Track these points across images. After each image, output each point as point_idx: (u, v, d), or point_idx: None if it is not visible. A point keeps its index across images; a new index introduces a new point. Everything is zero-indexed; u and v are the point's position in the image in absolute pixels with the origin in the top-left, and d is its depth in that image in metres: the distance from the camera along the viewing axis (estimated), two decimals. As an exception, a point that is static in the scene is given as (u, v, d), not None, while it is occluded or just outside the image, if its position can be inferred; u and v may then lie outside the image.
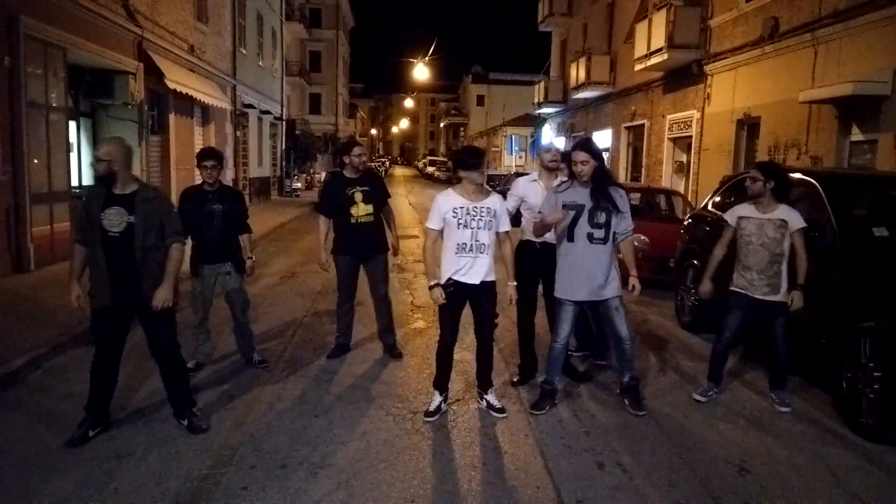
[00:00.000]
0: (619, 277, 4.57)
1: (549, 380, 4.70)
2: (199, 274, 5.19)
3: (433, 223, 4.44)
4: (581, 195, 4.46)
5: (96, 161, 3.92)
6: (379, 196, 5.65)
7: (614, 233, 4.49)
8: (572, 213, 4.44)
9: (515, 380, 5.23)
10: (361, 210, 5.54)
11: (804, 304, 4.63)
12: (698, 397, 4.94)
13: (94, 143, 11.76)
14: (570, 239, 4.47)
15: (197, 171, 5.35)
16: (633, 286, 4.58)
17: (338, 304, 5.80)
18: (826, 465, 3.95)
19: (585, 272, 4.46)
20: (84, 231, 3.98)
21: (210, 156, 5.18)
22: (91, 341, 4.33)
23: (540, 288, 5.14)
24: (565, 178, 4.95)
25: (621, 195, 4.54)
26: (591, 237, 4.44)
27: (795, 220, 4.70)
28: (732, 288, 4.89)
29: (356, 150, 5.60)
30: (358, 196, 5.53)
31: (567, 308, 4.58)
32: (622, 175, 19.47)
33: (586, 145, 4.53)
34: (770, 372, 5.06)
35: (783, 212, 4.71)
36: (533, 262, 5.00)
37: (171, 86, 13.07)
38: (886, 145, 9.07)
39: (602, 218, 4.43)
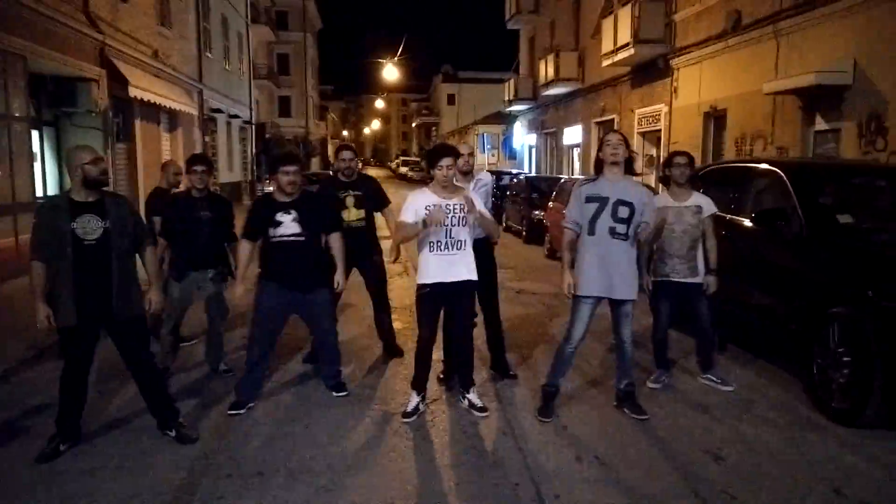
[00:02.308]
0: (636, 281, 4.46)
1: (553, 382, 4.57)
2: (179, 281, 5.11)
3: (406, 216, 4.34)
4: (605, 187, 4.34)
5: (95, 163, 3.84)
6: (373, 201, 5.59)
7: (637, 229, 4.36)
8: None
9: (441, 376, 5.13)
10: (353, 215, 5.49)
11: (772, 292, 4.72)
12: (652, 385, 5.07)
13: (59, 152, 11.54)
14: (591, 232, 4.33)
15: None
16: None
17: None
18: (799, 450, 4.02)
19: (604, 268, 4.30)
20: (46, 246, 3.82)
21: (201, 161, 5.17)
22: (60, 355, 4.24)
23: None
24: (482, 177, 5.10)
25: (649, 193, 4.51)
26: (612, 231, 4.30)
27: (708, 206, 4.98)
28: (655, 278, 5.06)
29: (344, 154, 5.58)
30: (350, 200, 5.48)
31: (585, 307, 4.39)
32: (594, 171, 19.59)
33: (619, 131, 4.56)
34: (699, 355, 5.20)
35: (697, 198, 5.01)
36: None
37: (136, 93, 12.86)
38: (849, 134, 9.25)
39: (625, 213, 4.27)
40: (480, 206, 4.43)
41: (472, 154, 5.25)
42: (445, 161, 4.30)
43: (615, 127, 18.03)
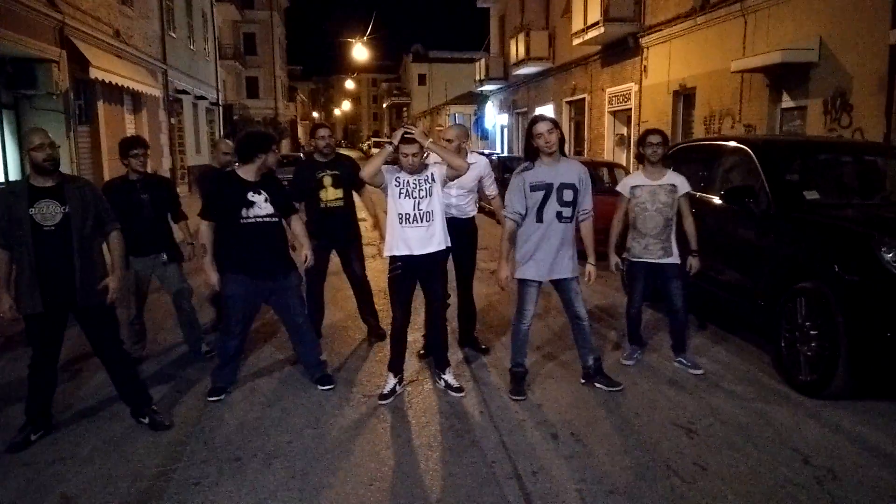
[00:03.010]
0: (576, 257, 4.50)
1: (519, 362, 4.61)
2: (130, 267, 5.02)
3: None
4: (546, 173, 4.33)
5: (52, 147, 3.73)
6: (350, 181, 5.49)
7: (577, 211, 4.41)
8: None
9: (422, 352, 5.25)
10: (331, 194, 5.42)
11: (741, 269, 4.79)
12: (625, 361, 5.12)
13: (19, 136, 11.22)
14: (539, 220, 4.34)
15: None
16: (589, 274, 4.52)
17: (308, 292, 5.69)
18: (768, 422, 4.12)
19: (551, 251, 4.36)
20: (6, 233, 3.74)
21: (138, 144, 5.05)
22: (27, 343, 4.16)
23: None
24: (472, 160, 5.02)
25: (584, 171, 4.45)
26: (560, 216, 4.32)
27: (682, 185, 4.95)
28: (629, 257, 5.08)
29: (321, 132, 5.51)
30: (327, 180, 5.40)
31: (532, 290, 4.48)
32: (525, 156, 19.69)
33: (545, 116, 4.48)
34: (672, 337, 5.19)
35: (672, 177, 4.96)
36: None
37: (97, 74, 12.52)
38: (815, 111, 9.40)
39: (570, 196, 4.32)
40: (432, 145, 4.39)
41: (464, 137, 5.15)
42: (408, 149, 4.27)
43: (586, 106, 18.10)
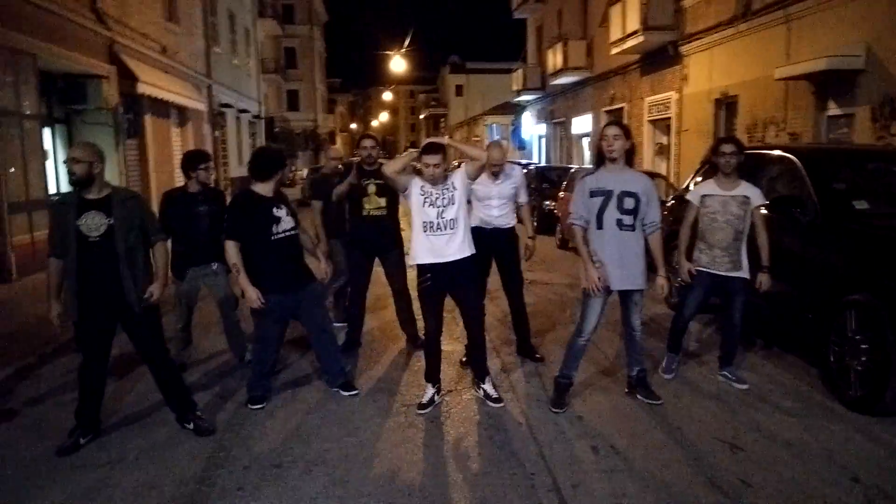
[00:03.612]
0: (646, 269, 4.40)
1: (566, 374, 4.55)
2: (184, 277, 5.15)
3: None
4: (608, 180, 4.32)
5: (74, 163, 3.83)
6: (393, 190, 5.54)
7: (643, 223, 4.33)
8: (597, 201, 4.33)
9: (463, 360, 5.27)
10: (374, 203, 5.51)
11: (787, 280, 4.67)
12: (665, 375, 4.99)
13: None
14: (599, 226, 4.32)
15: (178, 173, 5.31)
16: (662, 286, 4.42)
17: (350, 300, 5.75)
18: (816, 438, 4.00)
19: (615, 260, 4.29)
20: (58, 243, 3.89)
21: (205, 157, 5.24)
22: (77, 349, 4.29)
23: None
24: (507, 171, 5.22)
25: (651, 183, 4.38)
26: (620, 223, 4.27)
27: (757, 197, 4.75)
28: (695, 267, 4.93)
29: (365, 143, 5.61)
30: (371, 188, 5.50)
31: (596, 300, 4.35)
32: (595, 162, 19.53)
33: (619, 122, 4.51)
34: (722, 349, 5.07)
35: (745, 188, 4.76)
36: (483, 247, 4.94)
37: (145, 89, 12.91)
38: (863, 118, 9.16)
39: (631, 204, 4.25)
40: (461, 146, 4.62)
41: (504, 156, 5.27)
42: (430, 159, 4.29)
43: (625, 116, 17.94)
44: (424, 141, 4.46)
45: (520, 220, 5.49)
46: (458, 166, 4.70)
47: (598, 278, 4.27)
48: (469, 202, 4.98)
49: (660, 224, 4.38)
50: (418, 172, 4.46)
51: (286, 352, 5.76)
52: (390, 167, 4.48)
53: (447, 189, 4.39)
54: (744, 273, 4.77)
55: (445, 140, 4.47)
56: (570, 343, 4.56)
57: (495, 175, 5.19)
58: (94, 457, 3.86)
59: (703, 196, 4.86)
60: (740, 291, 4.82)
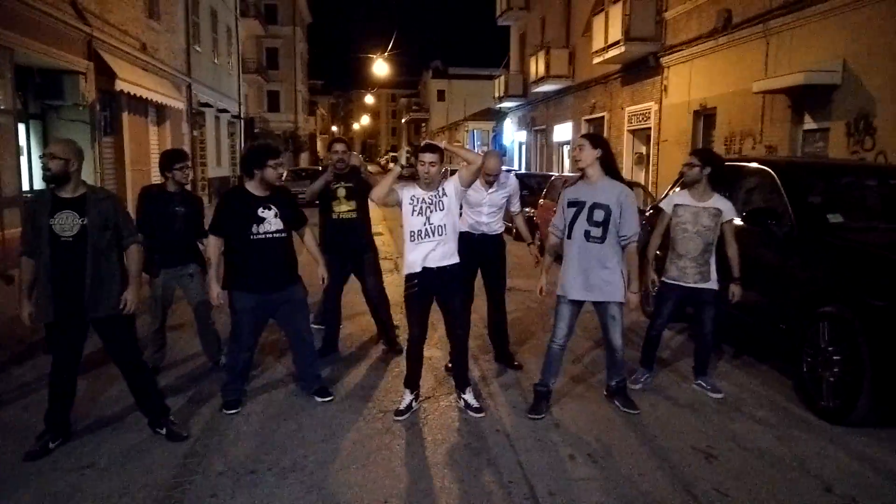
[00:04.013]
0: (622, 284, 4.37)
1: (544, 381, 4.57)
2: (157, 274, 5.07)
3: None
4: (583, 191, 4.36)
5: (50, 158, 3.74)
6: (364, 193, 5.51)
7: (619, 235, 4.32)
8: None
9: (448, 366, 5.24)
10: (344, 206, 5.49)
11: (762, 291, 4.72)
12: (632, 386, 4.93)
13: (45, 145, 11.41)
14: (569, 236, 4.38)
15: (155, 172, 5.26)
16: (630, 300, 4.39)
17: (324, 304, 5.69)
18: (790, 448, 4.05)
19: (579, 270, 4.34)
20: (31, 241, 3.81)
21: (184, 157, 5.18)
22: (48, 351, 4.20)
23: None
24: (503, 180, 5.23)
25: (627, 195, 4.34)
26: (587, 235, 4.30)
27: (728, 210, 4.82)
28: (664, 278, 4.98)
29: (337, 146, 5.59)
30: (341, 192, 5.49)
31: (563, 307, 4.45)
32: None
33: (588, 133, 4.53)
34: (696, 359, 5.11)
35: (717, 201, 4.83)
36: (470, 252, 4.99)
37: (123, 86, 12.73)
38: (838, 133, 9.32)
39: (600, 216, 4.26)
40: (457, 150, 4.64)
41: (499, 161, 5.26)
42: (428, 157, 4.29)
43: (605, 125, 18.09)
44: (403, 150, 4.43)
45: (515, 229, 5.46)
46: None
47: (543, 288, 4.55)
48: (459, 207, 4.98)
49: (635, 237, 4.35)
50: (412, 177, 4.43)
51: (262, 356, 5.71)
52: (376, 194, 4.37)
53: (436, 195, 4.36)
54: (712, 284, 4.84)
55: (443, 144, 4.45)
56: (547, 350, 4.59)
57: (489, 184, 5.19)
58: (63, 461, 3.78)
59: (676, 206, 4.92)
60: (710, 303, 4.87)
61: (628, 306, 4.45)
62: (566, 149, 22.15)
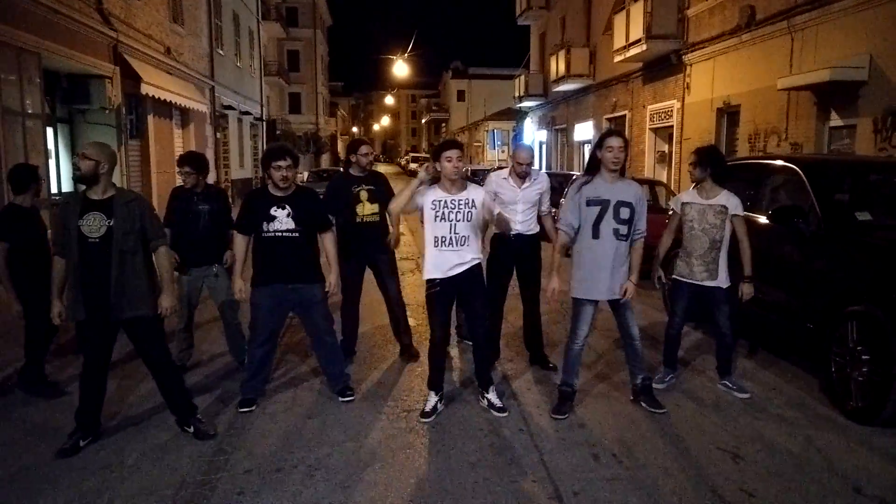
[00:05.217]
0: (627, 275, 4.41)
1: (567, 381, 4.56)
2: (185, 276, 5.15)
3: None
4: (605, 189, 4.30)
5: (81, 159, 3.82)
6: (385, 197, 5.51)
7: (635, 230, 4.35)
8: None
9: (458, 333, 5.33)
10: (367, 209, 5.47)
11: (789, 290, 4.67)
12: (657, 385, 4.89)
13: (73, 149, 11.62)
14: (595, 236, 4.30)
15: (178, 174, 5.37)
16: (625, 290, 4.37)
17: (343, 307, 5.72)
18: (818, 448, 4.00)
19: (610, 270, 4.31)
20: (61, 242, 3.90)
21: (186, 162, 5.22)
22: (79, 350, 4.28)
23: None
24: (536, 178, 5.19)
25: (642, 191, 4.40)
26: (616, 233, 4.27)
27: (735, 207, 4.77)
28: (674, 276, 4.95)
29: (363, 149, 5.57)
30: (363, 194, 5.47)
31: (587, 308, 4.43)
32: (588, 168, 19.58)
33: (620, 132, 4.48)
34: (718, 360, 5.06)
35: (724, 198, 4.78)
36: (506, 255, 5.00)
37: (148, 90, 12.93)
38: (865, 130, 9.18)
39: (626, 213, 4.26)
40: (495, 207, 4.54)
41: (530, 152, 5.23)
42: (451, 153, 4.28)
43: (627, 123, 17.97)
44: (424, 167, 4.40)
45: (543, 230, 5.37)
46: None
47: (556, 290, 4.40)
48: None
49: (644, 233, 4.41)
50: (436, 180, 4.41)
51: (287, 355, 5.76)
52: (394, 207, 4.43)
53: (465, 203, 4.32)
54: (721, 282, 4.79)
55: (493, 214, 4.49)
56: (567, 350, 4.58)
57: (522, 178, 5.14)
58: (93, 459, 3.85)
59: (684, 203, 4.90)
60: (722, 301, 4.82)
61: (627, 296, 4.43)
62: (587, 147, 22.04)
